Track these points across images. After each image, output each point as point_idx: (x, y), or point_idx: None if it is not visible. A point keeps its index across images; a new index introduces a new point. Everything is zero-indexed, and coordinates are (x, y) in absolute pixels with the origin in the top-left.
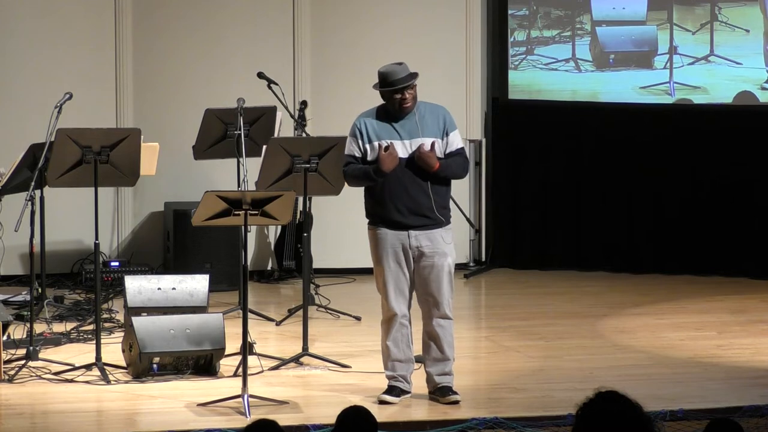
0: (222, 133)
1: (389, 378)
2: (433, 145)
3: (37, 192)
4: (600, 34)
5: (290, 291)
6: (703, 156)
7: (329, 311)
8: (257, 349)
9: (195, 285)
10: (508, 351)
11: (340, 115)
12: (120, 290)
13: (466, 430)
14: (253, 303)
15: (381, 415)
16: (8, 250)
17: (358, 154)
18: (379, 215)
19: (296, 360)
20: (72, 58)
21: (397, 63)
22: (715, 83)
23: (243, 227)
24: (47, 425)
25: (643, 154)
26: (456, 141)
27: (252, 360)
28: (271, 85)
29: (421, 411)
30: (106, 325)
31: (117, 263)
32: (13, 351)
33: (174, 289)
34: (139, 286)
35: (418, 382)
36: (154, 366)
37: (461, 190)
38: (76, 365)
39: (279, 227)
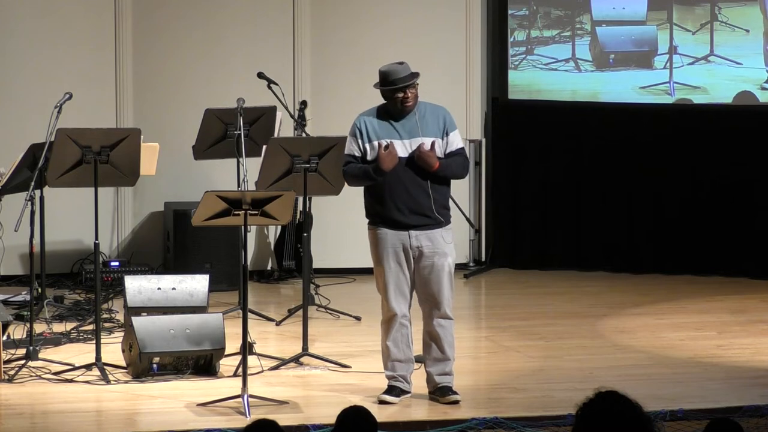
0: (222, 133)
1: (389, 378)
2: (433, 144)
3: (37, 192)
4: (600, 34)
5: (290, 291)
6: (703, 156)
7: (329, 311)
8: (257, 349)
9: (195, 285)
10: (508, 351)
11: (340, 115)
12: (120, 290)
13: (466, 430)
14: (253, 303)
15: (381, 415)
16: (8, 250)
17: (357, 154)
18: (379, 215)
19: (296, 360)
20: (72, 58)
21: (399, 62)
22: (715, 83)
23: (243, 227)
24: (47, 425)
25: (643, 154)
26: (456, 141)
27: (252, 360)
28: (271, 85)
29: (421, 411)
30: (106, 325)
31: (117, 263)
32: (13, 351)
33: (174, 289)
34: (139, 286)
35: (418, 382)
36: (154, 366)
37: (461, 190)
38: (76, 365)
39: (279, 227)
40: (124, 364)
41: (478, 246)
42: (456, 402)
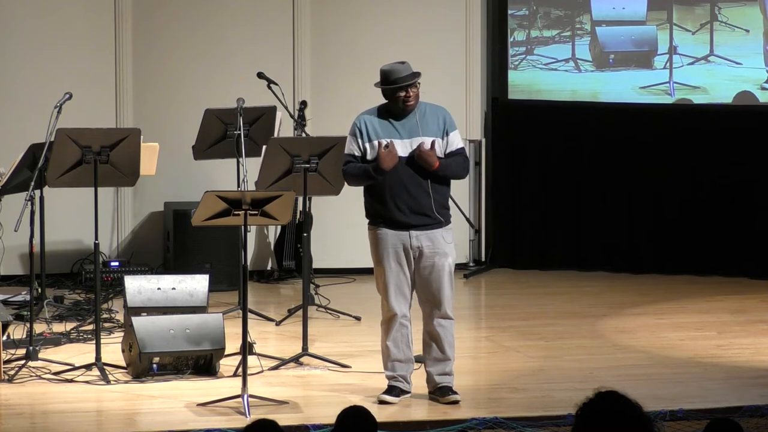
0: (222, 133)
1: (389, 378)
2: (433, 143)
3: (37, 192)
4: (600, 34)
5: (290, 291)
6: (703, 156)
7: (329, 311)
8: (257, 349)
9: (195, 285)
10: (508, 351)
11: (339, 115)
12: (120, 290)
13: (466, 430)
14: (253, 303)
15: (381, 415)
16: (8, 250)
17: (357, 153)
18: (379, 214)
19: (296, 360)
20: (72, 58)
21: (400, 62)
22: (714, 83)
23: (243, 227)
24: (47, 425)
25: (643, 154)
26: (456, 141)
27: (252, 360)
28: (271, 85)
29: (421, 411)
30: (106, 325)
31: (117, 263)
32: (13, 351)
33: (174, 289)
34: (138, 286)
35: (418, 382)
36: (154, 366)
37: (461, 190)
38: (76, 365)
39: (279, 227)
40: (124, 364)
41: (478, 246)
42: (456, 402)
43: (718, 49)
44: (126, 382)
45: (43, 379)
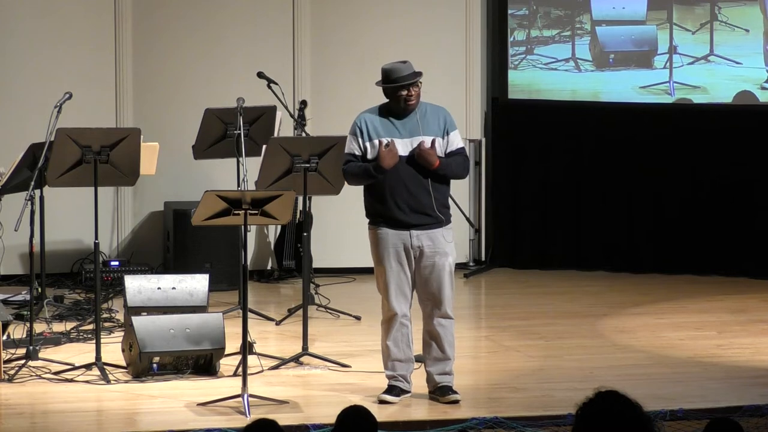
0: (222, 133)
1: (389, 378)
2: (433, 142)
3: (37, 192)
4: (600, 33)
5: (290, 291)
6: (703, 156)
7: (329, 311)
8: (257, 348)
9: (195, 285)
10: (508, 351)
11: (339, 115)
12: (120, 290)
13: (466, 429)
14: (253, 303)
15: (381, 414)
16: (8, 250)
17: (358, 153)
18: (380, 213)
19: (296, 360)
20: (72, 58)
21: (402, 61)
22: (714, 83)
23: (243, 227)
24: (47, 425)
25: (643, 154)
26: (456, 141)
27: (252, 360)
28: (271, 84)
29: (421, 411)
30: (106, 324)
31: (117, 263)
32: (13, 351)
33: (174, 288)
34: (138, 286)
35: (418, 381)
36: (154, 366)
37: (461, 190)
38: (76, 365)
39: (279, 227)
40: (124, 363)
41: (478, 246)
42: (456, 402)
43: (718, 49)
44: (126, 381)
45: (43, 378)
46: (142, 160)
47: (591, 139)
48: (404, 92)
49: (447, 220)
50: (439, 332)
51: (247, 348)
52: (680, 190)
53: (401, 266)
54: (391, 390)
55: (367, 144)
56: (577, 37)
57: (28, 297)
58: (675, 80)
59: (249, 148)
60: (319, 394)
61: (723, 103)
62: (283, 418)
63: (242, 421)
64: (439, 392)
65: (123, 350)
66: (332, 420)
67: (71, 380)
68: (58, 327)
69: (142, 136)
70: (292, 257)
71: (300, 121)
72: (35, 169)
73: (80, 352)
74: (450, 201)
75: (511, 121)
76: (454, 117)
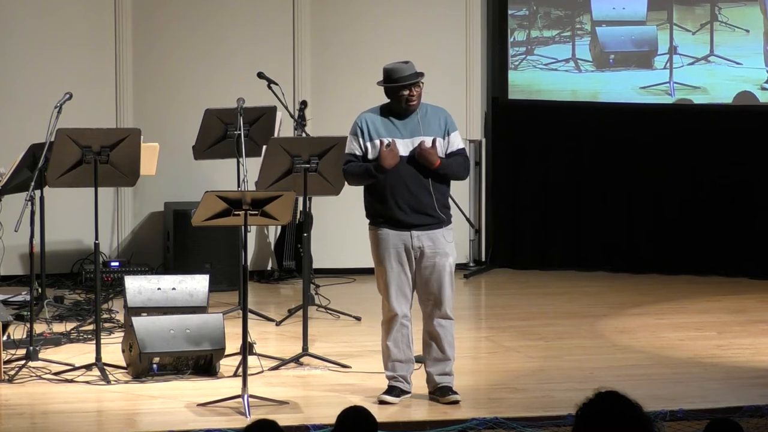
0: (222, 133)
1: (389, 378)
2: (434, 142)
3: (37, 192)
4: (600, 34)
5: (290, 291)
6: (703, 156)
7: (329, 311)
8: (257, 349)
9: (195, 285)
10: (508, 351)
11: (340, 115)
12: (120, 290)
13: (466, 430)
14: (253, 303)
15: (381, 415)
16: (8, 250)
17: (358, 153)
18: (380, 214)
19: (296, 360)
20: (72, 58)
21: (404, 61)
22: (715, 83)
23: (243, 227)
24: (47, 425)
25: (643, 154)
26: (457, 141)
27: (252, 360)
28: (271, 85)
29: (421, 411)
30: (106, 325)
31: (117, 263)
32: (13, 351)
33: (174, 289)
34: (139, 286)
35: (418, 382)
36: (154, 366)
37: (461, 190)
38: (76, 365)
39: (279, 227)
40: (124, 364)
41: (478, 246)
42: (456, 402)
43: (718, 49)
44: (126, 382)
45: (44, 379)
46: (142, 160)
47: (591, 139)
48: (406, 92)
49: (447, 221)
50: (439, 333)
51: (247, 348)
52: (680, 190)
53: (402, 267)
54: (391, 390)
55: (368, 144)
56: (577, 38)
57: (28, 297)
58: (675, 81)
59: (249, 149)
60: (319, 395)
61: (723, 104)
62: (283, 419)
63: (242, 422)
64: (439, 393)
65: (123, 351)
66: (332, 420)
67: (71, 381)
68: (58, 327)
69: (142, 137)
70: (292, 258)
71: (300, 122)
72: (35, 170)
73: (80, 353)
74: (450, 201)
75: (511, 121)
76: (454, 117)
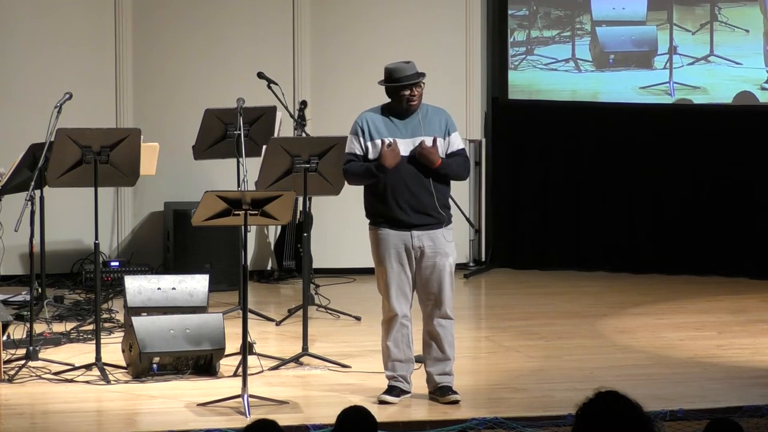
0: (222, 133)
1: (389, 378)
2: (434, 141)
3: (37, 192)
4: (600, 34)
5: (290, 291)
6: (703, 156)
7: (329, 311)
8: (257, 349)
9: (195, 285)
10: (508, 351)
11: (340, 115)
12: (120, 290)
13: (466, 430)
14: (253, 303)
15: (381, 415)
16: (8, 250)
17: (359, 152)
18: (381, 214)
19: (296, 360)
20: (72, 58)
21: (405, 61)
22: (715, 83)
23: (243, 227)
24: (47, 425)
25: (643, 154)
26: (457, 142)
27: (252, 360)
28: (271, 85)
29: (421, 411)
30: (106, 325)
31: (117, 263)
32: (13, 351)
33: (174, 289)
34: (139, 286)
35: (418, 382)
36: (154, 366)
37: (461, 190)
38: (76, 365)
39: (279, 227)
40: (124, 364)
41: (478, 246)
42: (456, 402)
43: (718, 49)
44: (126, 382)
45: (43, 379)
46: (142, 160)
47: (591, 139)
48: (407, 92)
49: (448, 221)
50: (439, 332)
51: (247, 348)
52: (680, 190)
53: (402, 267)
54: (391, 390)
55: (369, 144)
56: (577, 38)
57: (28, 297)
58: (675, 81)
59: (249, 149)
60: (319, 395)
61: (723, 104)
62: (283, 419)
63: (242, 422)
64: (439, 392)
65: (123, 351)
66: (332, 420)
67: (71, 380)
68: (58, 327)
69: (142, 137)
70: (292, 258)
71: (300, 122)
72: (35, 170)
73: (80, 353)
74: (450, 201)
75: (511, 121)
76: (454, 117)
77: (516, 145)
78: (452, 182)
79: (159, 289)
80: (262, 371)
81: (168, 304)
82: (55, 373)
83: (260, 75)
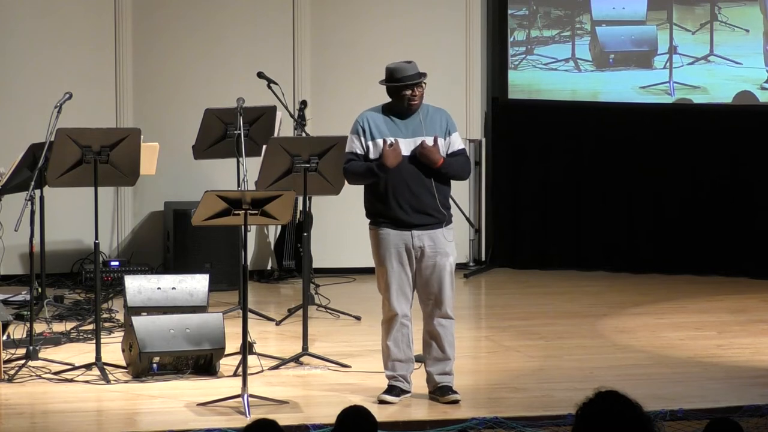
0: (222, 133)
1: (389, 378)
2: (435, 140)
3: (37, 192)
4: (600, 33)
5: (290, 291)
6: (703, 156)
7: (329, 311)
8: (257, 348)
9: (195, 285)
10: (508, 351)
11: (340, 115)
12: (120, 290)
13: (466, 429)
14: (253, 303)
15: (381, 414)
16: (8, 250)
17: (360, 152)
18: (381, 213)
19: (296, 360)
20: (72, 58)
21: (407, 61)
22: (714, 83)
23: (243, 227)
24: (47, 425)
25: (643, 154)
26: (458, 142)
27: (252, 360)
28: (271, 84)
29: (421, 411)
30: (106, 324)
31: (117, 263)
32: (13, 351)
33: (174, 288)
34: (138, 286)
35: (418, 381)
36: (154, 366)
37: (461, 190)
38: (76, 365)
39: (279, 227)
40: (124, 363)
41: (478, 246)
42: (456, 402)
43: (718, 49)
44: (126, 381)
45: (43, 378)
46: (142, 160)
47: (591, 139)
48: (408, 92)
49: (448, 220)
50: (440, 332)
51: (247, 348)
52: (680, 190)
53: (402, 267)
54: (391, 390)
55: (370, 143)
56: (577, 38)
57: (28, 297)
58: (675, 80)
59: (249, 148)
60: (319, 394)
61: (723, 104)
62: (283, 418)
63: (242, 421)
64: (439, 392)
65: (123, 350)
66: (332, 420)
67: (71, 380)
68: (58, 327)
69: (142, 136)
70: (292, 257)
71: (300, 122)
72: (35, 169)
73: (80, 352)
74: (450, 201)
75: (511, 121)
76: (454, 117)
77: (516, 145)
78: (452, 182)
79: (159, 288)
80: (262, 371)
81: (168, 303)
82: (55, 373)
83: (260, 75)
